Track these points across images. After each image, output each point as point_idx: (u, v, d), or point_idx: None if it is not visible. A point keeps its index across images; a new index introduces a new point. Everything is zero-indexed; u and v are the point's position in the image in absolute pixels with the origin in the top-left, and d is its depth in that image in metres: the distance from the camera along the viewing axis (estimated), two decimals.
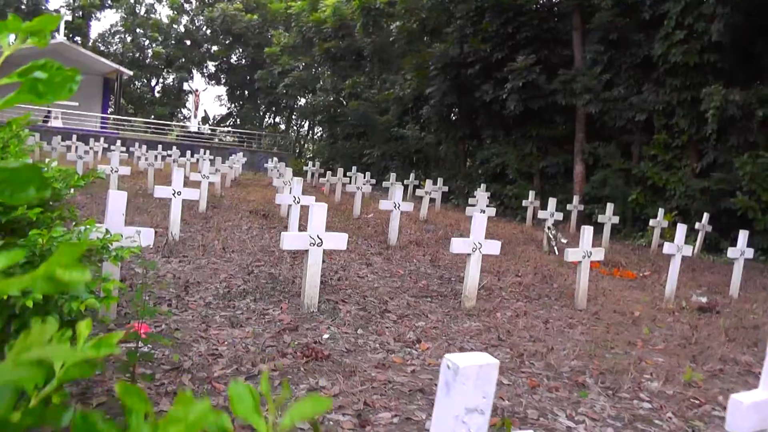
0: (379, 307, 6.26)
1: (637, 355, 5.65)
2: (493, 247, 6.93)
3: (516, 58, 21.75)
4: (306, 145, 46.94)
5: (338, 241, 5.92)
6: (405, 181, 20.74)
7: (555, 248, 12.37)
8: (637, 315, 7.49)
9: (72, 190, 3.15)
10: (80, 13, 51.59)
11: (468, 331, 5.79)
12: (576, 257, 7.56)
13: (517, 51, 22.36)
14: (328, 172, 20.84)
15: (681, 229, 8.85)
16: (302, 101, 42.92)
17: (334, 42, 32.89)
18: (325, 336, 5.12)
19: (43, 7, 49.20)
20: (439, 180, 19.51)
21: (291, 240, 5.60)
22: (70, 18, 45.97)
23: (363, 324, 5.58)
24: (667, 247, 8.63)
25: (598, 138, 21.53)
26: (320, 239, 5.67)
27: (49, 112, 32.30)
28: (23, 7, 48.15)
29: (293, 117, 48.43)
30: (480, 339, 5.56)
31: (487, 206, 16.11)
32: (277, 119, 51.70)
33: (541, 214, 13.18)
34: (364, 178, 15.29)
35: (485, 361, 1.72)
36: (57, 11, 43.24)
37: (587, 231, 7.68)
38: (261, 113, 50.51)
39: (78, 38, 48.51)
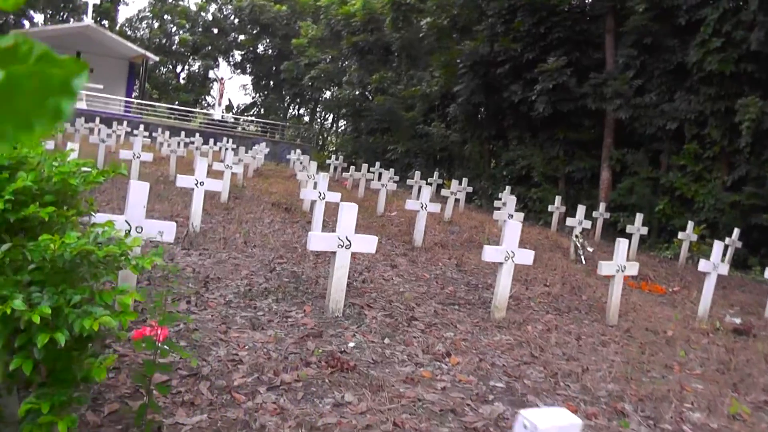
0: (406, 314, 6.00)
1: (676, 381, 5.36)
2: (526, 257, 6.65)
3: (547, 59, 21.38)
4: (329, 138, 46.74)
5: (368, 244, 5.67)
6: (429, 180, 20.46)
7: (582, 257, 12.04)
8: (671, 334, 7.18)
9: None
10: None
11: (499, 345, 5.52)
12: (609, 271, 7.26)
13: (548, 52, 21.98)
14: (352, 167, 20.60)
15: (718, 247, 8.52)
16: (327, 94, 42.72)
17: (362, 36, 32.61)
18: (351, 344, 4.88)
19: None
20: (464, 180, 19.22)
21: (318, 241, 5.36)
22: (98, 2, 45.95)
23: (390, 332, 5.33)
24: (703, 265, 8.30)
25: (627, 144, 21.11)
26: (349, 241, 5.42)
27: None
28: None
29: (318, 109, 48.25)
30: (512, 355, 5.30)
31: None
32: (301, 111, 51.57)
33: (569, 222, 12.83)
34: (388, 174, 15.00)
35: (567, 421, 1.45)
36: None
37: (622, 244, 7.38)
38: (285, 104, 50.38)
39: (105, 22, 48.58)
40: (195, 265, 6.77)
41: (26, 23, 47.07)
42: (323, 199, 9.19)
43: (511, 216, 11.38)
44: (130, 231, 4.80)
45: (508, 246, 6.41)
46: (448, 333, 5.63)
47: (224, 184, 10.24)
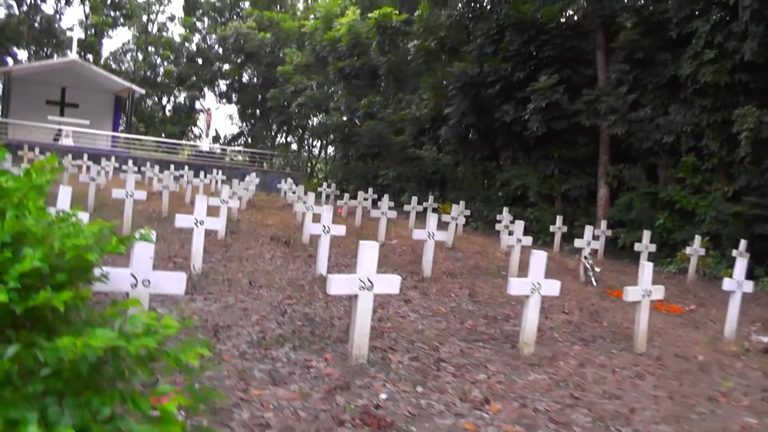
0: (432, 356, 5.64)
1: (726, 415, 5.02)
2: (553, 288, 6.31)
3: (538, 78, 21.19)
4: (318, 165, 46.44)
5: (390, 284, 5.32)
6: (424, 203, 20.14)
7: (592, 279, 11.72)
8: (702, 359, 6.86)
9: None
10: (92, 31, 51.53)
11: (536, 386, 5.16)
12: (635, 297, 6.93)
13: (539, 70, 21.80)
14: (346, 195, 20.26)
15: (741, 263, 8.22)
16: (315, 121, 42.48)
17: (348, 61, 32.46)
18: (383, 396, 4.50)
19: (56, 26, 49.18)
20: (461, 203, 18.91)
21: (339, 284, 4.99)
22: (82, 36, 45.75)
23: (420, 379, 4.96)
24: (727, 284, 8.00)
25: (623, 160, 20.87)
26: (371, 283, 5.06)
27: (59, 130, 31.91)
28: (37, 25, 48.11)
29: (305, 136, 47.98)
30: (552, 397, 4.93)
31: (509, 229, 15.52)
32: (289, 139, 51.31)
33: (576, 243, 12.50)
34: (387, 202, 14.64)
35: None
36: (70, 29, 43.11)
37: (647, 268, 7.06)
38: (272, 133, 50.11)
39: (90, 56, 48.33)
40: (201, 312, 6.38)
41: (9, 60, 46.72)
42: (328, 232, 8.82)
43: (519, 241, 11.04)
44: (136, 285, 4.43)
45: (534, 277, 6.07)
46: (481, 375, 5.26)
47: (222, 221, 9.84)
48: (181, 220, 8.27)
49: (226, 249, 10.58)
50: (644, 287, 6.95)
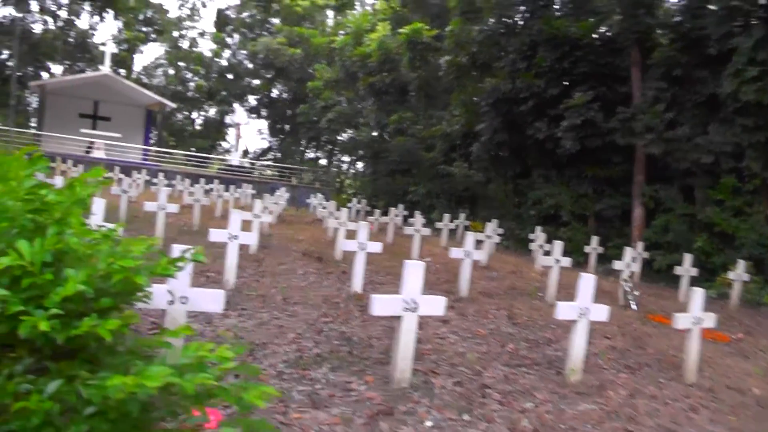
0: (475, 381, 5.39)
1: None
2: (601, 313, 6.03)
3: (572, 95, 20.87)
4: (347, 181, 46.37)
5: (435, 305, 5.08)
6: (455, 221, 19.87)
7: (632, 303, 11.36)
8: (759, 393, 6.52)
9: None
10: (125, 46, 52.15)
11: (586, 417, 4.88)
12: (685, 324, 6.62)
13: (572, 87, 21.48)
14: (376, 210, 20.07)
15: None
16: (344, 136, 42.44)
17: (378, 76, 32.33)
18: (428, 423, 4.26)
19: (90, 41, 49.83)
20: (494, 221, 18.62)
21: (382, 304, 4.77)
22: (115, 51, 46.27)
23: (465, 406, 4.71)
24: None
25: (659, 180, 20.41)
26: (416, 304, 4.83)
27: (92, 143, 32.17)
28: (71, 40, 48.77)
29: (335, 152, 47.97)
30: (604, 429, 4.67)
31: (546, 249, 15.19)
32: (318, 154, 51.32)
33: (616, 265, 12.16)
34: (420, 218, 14.42)
35: None
36: (103, 44, 43.65)
37: (697, 294, 6.74)
38: (302, 148, 50.17)
39: (122, 70, 48.86)
40: (236, 329, 6.19)
41: (44, 74, 47.40)
42: (364, 249, 8.60)
43: (557, 261, 10.73)
44: (173, 302, 4.25)
45: (583, 302, 5.80)
46: (528, 403, 5.00)
47: (256, 236, 9.65)
48: (215, 235, 8.10)
49: (258, 264, 10.42)
50: (695, 314, 6.63)
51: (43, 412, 1.53)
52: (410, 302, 4.82)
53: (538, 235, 16.36)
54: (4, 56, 46.60)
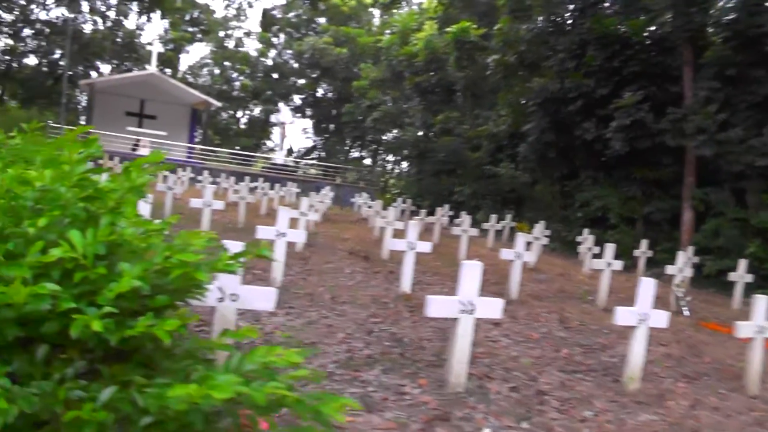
0: (531, 386, 5.22)
1: None
2: (661, 320, 5.81)
3: (621, 95, 20.43)
4: (391, 180, 46.27)
5: (493, 307, 4.92)
6: (501, 222, 19.62)
7: (684, 309, 11.03)
8: None
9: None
10: (171, 45, 52.84)
11: (648, 428, 4.69)
12: (748, 333, 6.34)
13: (622, 87, 21.02)
14: (422, 210, 19.94)
15: None
16: (389, 135, 42.35)
17: (424, 76, 32.16)
18: (487, 431, 4.12)
19: (137, 41, 50.64)
20: (541, 223, 18.32)
21: (438, 306, 4.63)
22: (162, 50, 46.89)
23: (523, 413, 4.55)
24: None
25: (710, 183, 19.84)
26: (473, 305, 4.69)
27: (138, 140, 32.63)
28: (119, 40, 49.61)
29: (379, 151, 47.92)
30: None
31: (595, 252, 14.89)
32: (363, 153, 51.33)
33: (669, 269, 11.84)
34: (468, 219, 14.23)
35: None
36: (150, 44, 44.32)
37: (761, 302, 6.44)
38: (346, 147, 50.24)
39: (168, 70, 49.50)
40: (284, 328, 6.11)
41: (93, 73, 48.28)
42: (413, 249, 8.48)
43: (609, 264, 10.46)
44: (223, 299, 4.17)
45: (642, 307, 5.59)
46: (587, 412, 4.81)
47: (303, 234, 9.57)
48: (263, 232, 8.04)
49: (304, 262, 10.38)
50: (758, 323, 6.35)
51: (97, 423, 1.43)
52: (467, 304, 4.67)
53: (587, 238, 16.00)
54: (56, 56, 47.70)
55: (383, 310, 7.36)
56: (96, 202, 2.11)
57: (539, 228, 15.07)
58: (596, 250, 15.33)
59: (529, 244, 13.75)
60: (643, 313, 5.59)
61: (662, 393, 5.65)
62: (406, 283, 8.54)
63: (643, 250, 15.87)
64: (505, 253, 9.41)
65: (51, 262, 1.69)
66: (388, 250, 11.90)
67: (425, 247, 8.73)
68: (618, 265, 10.69)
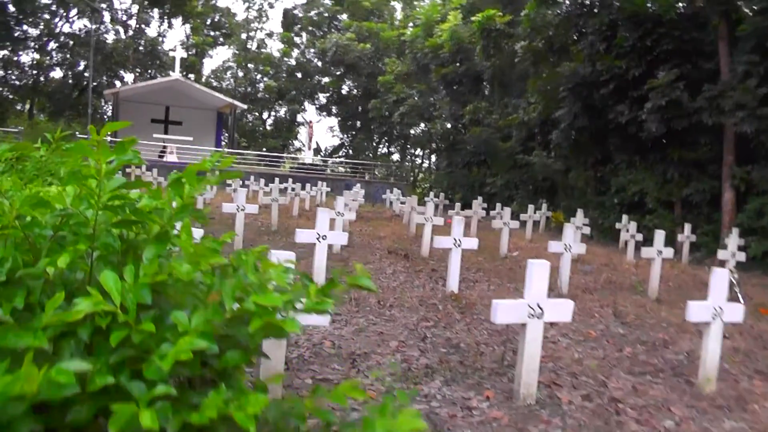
0: (603, 393, 4.87)
1: None
2: (736, 313, 5.43)
3: (655, 75, 19.83)
4: (420, 175, 45.86)
5: (563, 310, 4.58)
6: (537, 213, 19.16)
7: (740, 296, 10.55)
8: None
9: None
10: (194, 51, 52.94)
11: None
12: None
13: (655, 66, 20.40)
14: (457, 204, 19.57)
15: None
16: (417, 129, 41.99)
17: (451, 67, 31.69)
18: None
19: (160, 48, 50.83)
20: (579, 211, 17.88)
21: (505, 311, 4.29)
22: (185, 56, 46.97)
23: (602, 426, 4.21)
24: None
25: (751, 160, 19.14)
26: (541, 309, 4.35)
27: (164, 146, 32.68)
28: (141, 48, 49.83)
29: (408, 146, 47.54)
30: None
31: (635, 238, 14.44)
32: (391, 149, 51.00)
33: (720, 254, 11.37)
34: (508, 211, 13.85)
35: None
36: (172, 50, 44.46)
37: None
38: (374, 143, 49.95)
39: (191, 75, 49.58)
40: (333, 337, 5.82)
41: (117, 83, 48.54)
42: (459, 246, 8.14)
43: (660, 253, 10.02)
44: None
45: (716, 301, 5.21)
46: (667, 421, 4.45)
47: (345, 236, 9.21)
48: (302, 235, 7.75)
49: (344, 263, 10.11)
50: None
51: None
52: (535, 308, 4.34)
53: (630, 226, 15.50)
54: (80, 68, 48.08)
55: (433, 313, 7.05)
56: (133, 228, 1.72)
57: (579, 216, 14.64)
58: (639, 237, 14.92)
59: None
60: (717, 308, 5.21)
61: (741, 394, 5.26)
62: (453, 282, 8.22)
63: (687, 235, 15.43)
64: (554, 246, 9.04)
65: (77, 320, 1.27)
66: (427, 248, 11.60)
67: (471, 243, 8.39)
68: (669, 252, 10.25)
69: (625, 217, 17.68)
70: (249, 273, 1.55)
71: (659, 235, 10.10)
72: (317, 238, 7.71)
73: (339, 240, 8.13)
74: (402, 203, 20.56)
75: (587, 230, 16.06)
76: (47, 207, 1.62)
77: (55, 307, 1.26)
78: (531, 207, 17.51)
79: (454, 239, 8.10)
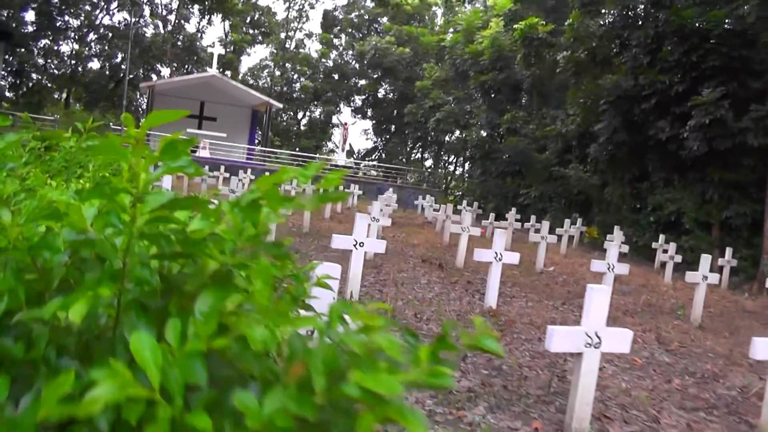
0: (655, 429, 4.57)
1: None
2: None
3: (699, 92, 19.33)
4: (453, 182, 45.49)
5: (621, 340, 4.28)
6: (572, 227, 18.73)
7: None
8: None
9: None
10: (232, 48, 53.11)
11: None
12: None
13: (700, 83, 19.89)
14: (491, 214, 19.25)
15: None
16: (452, 136, 41.63)
17: (490, 75, 31.32)
18: None
19: (198, 44, 51.07)
20: (615, 229, 17.47)
21: (561, 339, 4.00)
22: (223, 52, 47.13)
23: None
24: None
25: None
26: (599, 338, 4.06)
27: (198, 142, 32.65)
28: (179, 44, 50.12)
29: (442, 153, 47.21)
30: None
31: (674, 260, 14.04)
32: (425, 155, 50.70)
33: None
34: (546, 224, 13.49)
35: None
36: (210, 46, 44.67)
37: None
38: (408, 148, 49.68)
39: (228, 72, 49.73)
40: None
41: (153, 76, 48.85)
42: (500, 260, 7.85)
43: (705, 278, 9.62)
44: None
45: None
46: None
47: (383, 243, 8.86)
48: (339, 241, 7.50)
49: (377, 271, 9.88)
50: None
51: None
52: (594, 336, 4.05)
53: (669, 246, 15.06)
54: (118, 60, 48.49)
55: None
56: (183, 269, 1.17)
57: (618, 234, 14.24)
58: (678, 258, 14.52)
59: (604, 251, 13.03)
60: None
61: None
62: (491, 298, 7.93)
63: (728, 259, 14.97)
64: (597, 265, 8.69)
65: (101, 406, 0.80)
66: (462, 258, 11.32)
67: (512, 258, 8.07)
68: (714, 278, 9.84)
69: (662, 237, 17.25)
70: (347, 339, 1.00)
71: (705, 260, 9.69)
72: (354, 245, 7.47)
73: (377, 248, 7.86)
74: (435, 210, 20.25)
75: (625, 248, 15.61)
76: (63, 220, 1.17)
77: (60, 394, 0.80)
78: (567, 221, 17.11)
79: (495, 253, 7.80)
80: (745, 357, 7.34)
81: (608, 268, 8.61)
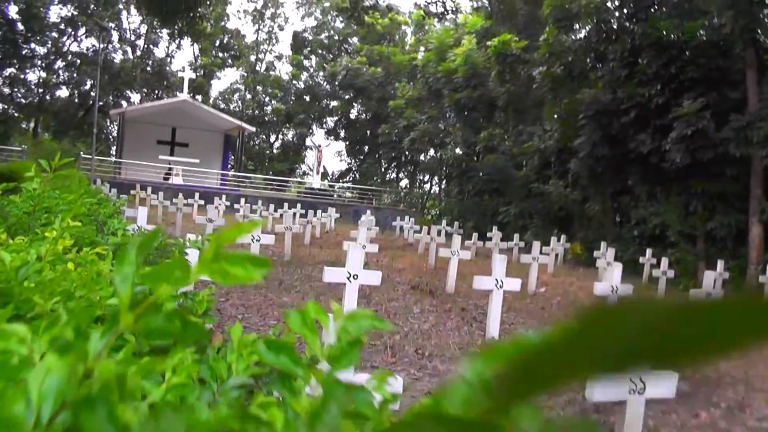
0: None
1: None
2: None
3: (679, 103, 19.19)
4: (429, 202, 45.17)
5: (665, 386, 3.81)
6: (556, 245, 18.35)
7: None
8: None
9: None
10: (202, 72, 52.63)
11: None
12: None
13: (679, 95, 19.76)
14: (474, 234, 18.81)
15: None
16: (427, 155, 41.37)
17: (465, 92, 31.08)
18: None
19: (168, 69, 50.53)
20: (603, 244, 17.14)
21: (604, 386, 3.53)
22: (193, 76, 46.66)
23: None
24: None
25: None
26: (643, 383, 3.59)
27: (170, 169, 32.04)
28: (149, 69, 49.53)
29: (417, 172, 46.93)
30: None
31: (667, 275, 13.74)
32: (400, 175, 50.39)
33: None
34: (538, 245, 13.08)
35: None
36: (180, 71, 44.21)
37: None
38: (383, 168, 49.35)
39: (199, 96, 49.21)
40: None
41: (123, 103, 48.18)
42: (501, 287, 7.39)
43: (709, 295, 9.25)
44: None
45: None
46: None
47: (379, 274, 8.28)
48: (331, 275, 6.94)
49: (367, 301, 9.36)
50: None
51: None
52: (638, 382, 3.58)
53: (662, 260, 14.77)
54: (87, 87, 47.76)
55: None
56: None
57: (608, 252, 13.90)
58: (670, 273, 14.24)
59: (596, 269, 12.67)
60: None
61: None
62: (493, 328, 7.45)
63: (720, 272, 14.64)
64: (601, 287, 8.28)
65: None
66: (452, 283, 10.86)
67: (514, 284, 7.61)
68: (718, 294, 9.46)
69: (649, 251, 16.99)
70: None
71: (708, 277, 9.33)
72: (348, 278, 6.94)
73: (371, 280, 7.29)
74: (417, 232, 19.82)
75: (619, 266, 15.28)
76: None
77: None
78: (553, 239, 16.76)
79: (496, 280, 7.34)
80: (763, 380, 6.97)
81: (612, 290, 8.20)
